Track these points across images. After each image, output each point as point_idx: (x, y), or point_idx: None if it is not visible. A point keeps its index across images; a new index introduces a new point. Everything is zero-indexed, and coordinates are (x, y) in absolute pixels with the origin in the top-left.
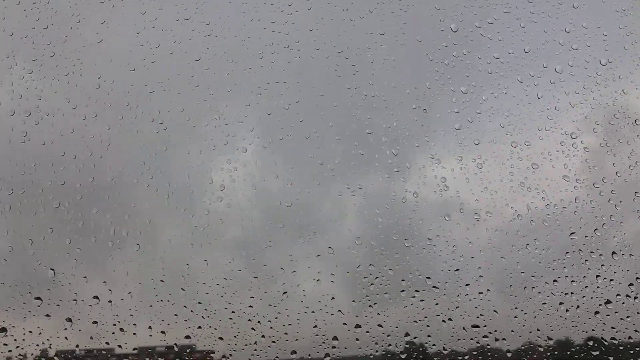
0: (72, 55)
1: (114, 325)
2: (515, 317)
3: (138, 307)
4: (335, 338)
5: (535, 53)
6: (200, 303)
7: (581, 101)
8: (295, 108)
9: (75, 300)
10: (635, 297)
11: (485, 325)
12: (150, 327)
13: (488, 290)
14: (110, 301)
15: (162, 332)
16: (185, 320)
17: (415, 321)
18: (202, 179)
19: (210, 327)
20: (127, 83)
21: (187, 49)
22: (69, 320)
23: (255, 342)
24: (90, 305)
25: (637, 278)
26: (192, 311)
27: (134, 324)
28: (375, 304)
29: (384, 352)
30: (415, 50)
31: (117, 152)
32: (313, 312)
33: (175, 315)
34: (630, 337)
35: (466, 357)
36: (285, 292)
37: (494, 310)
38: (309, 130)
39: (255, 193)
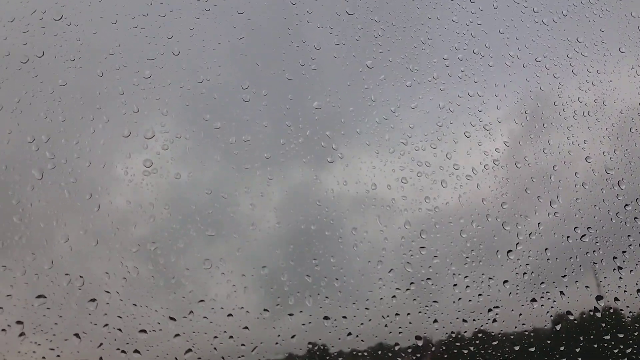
0: None
1: None
2: (418, 312)
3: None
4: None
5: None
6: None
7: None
8: (215, 93)
9: None
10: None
11: (390, 322)
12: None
13: (397, 289)
14: None
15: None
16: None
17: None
18: (106, 172)
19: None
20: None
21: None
22: None
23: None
24: None
25: (524, 273)
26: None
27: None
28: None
29: (286, 355)
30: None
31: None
32: (226, 318)
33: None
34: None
35: (365, 354)
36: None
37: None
38: (227, 118)
39: (167, 187)
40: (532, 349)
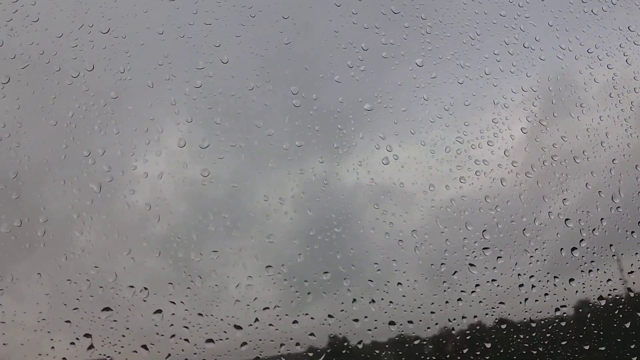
0: None
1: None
2: (432, 303)
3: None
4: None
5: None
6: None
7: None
8: (266, 99)
9: None
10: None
11: (405, 312)
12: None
13: (415, 281)
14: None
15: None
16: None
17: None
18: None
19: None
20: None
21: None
22: None
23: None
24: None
25: (589, 271)
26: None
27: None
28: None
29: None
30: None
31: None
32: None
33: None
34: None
35: (387, 347)
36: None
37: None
38: (279, 124)
39: (225, 196)
40: (602, 348)
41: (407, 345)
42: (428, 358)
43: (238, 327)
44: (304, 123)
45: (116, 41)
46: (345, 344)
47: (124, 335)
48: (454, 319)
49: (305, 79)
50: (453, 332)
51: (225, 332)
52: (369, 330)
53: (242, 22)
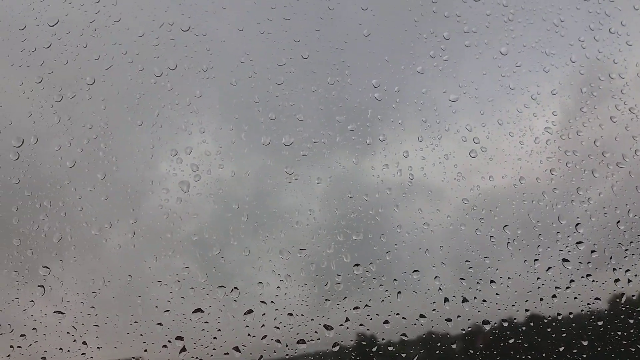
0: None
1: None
2: (526, 301)
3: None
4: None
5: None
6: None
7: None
8: (346, 94)
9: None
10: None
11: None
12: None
13: (509, 278)
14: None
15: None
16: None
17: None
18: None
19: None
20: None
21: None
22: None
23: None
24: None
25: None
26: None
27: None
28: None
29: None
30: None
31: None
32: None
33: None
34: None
35: (481, 346)
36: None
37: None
38: (361, 119)
39: (310, 193)
40: None
41: (501, 345)
42: (524, 357)
43: (329, 327)
44: (386, 117)
45: (197, 39)
46: (439, 344)
47: (215, 337)
48: (549, 317)
49: (386, 71)
50: (548, 330)
51: (316, 332)
52: (462, 330)
53: (321, 15)
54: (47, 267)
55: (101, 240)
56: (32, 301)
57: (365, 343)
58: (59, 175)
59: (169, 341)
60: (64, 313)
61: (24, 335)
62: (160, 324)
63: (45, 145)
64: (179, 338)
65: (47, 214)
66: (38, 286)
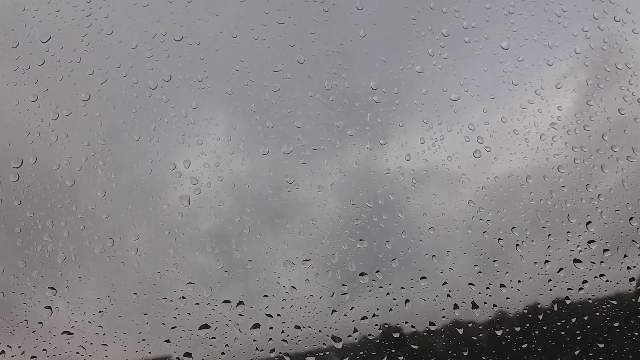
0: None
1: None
2: (538, 304)
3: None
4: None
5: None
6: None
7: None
8: (344, 97)
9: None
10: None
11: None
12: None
13: (519, 281)
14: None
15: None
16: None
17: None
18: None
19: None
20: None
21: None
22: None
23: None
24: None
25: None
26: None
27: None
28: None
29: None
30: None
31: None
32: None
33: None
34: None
35: (493, 352)
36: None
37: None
38: (360, 122)
39: (311, 201)
40: None
41: (514, 350)
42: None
43: (337, 339)
44: (386, 119)
45: (191, 48)
46: (450, 351)
47: (223, 353)
48: (563, 320)
49: (385, 72)
50: (562, 333)
51: (324, 344)
52: (474, 337)
53: (315, 17)
54: (53, 288)
55: (105, 259)
56: (41, 322)
57: (374, 354)
58: (59, 194)
59: (178, 358)
60: (72, 333)
61: (35, 357)
62: (167, 341)
63: (44, 164)
64: (188, 355)
65: (50, 235)
66: (45, 307)
